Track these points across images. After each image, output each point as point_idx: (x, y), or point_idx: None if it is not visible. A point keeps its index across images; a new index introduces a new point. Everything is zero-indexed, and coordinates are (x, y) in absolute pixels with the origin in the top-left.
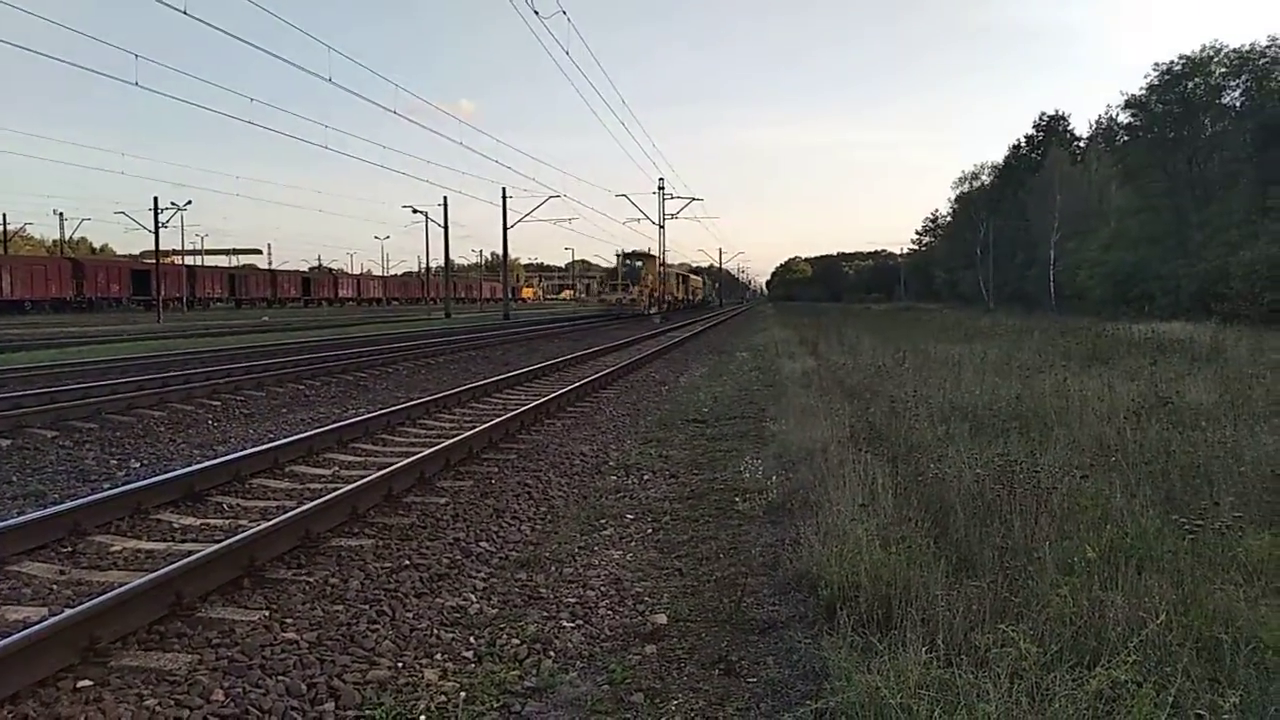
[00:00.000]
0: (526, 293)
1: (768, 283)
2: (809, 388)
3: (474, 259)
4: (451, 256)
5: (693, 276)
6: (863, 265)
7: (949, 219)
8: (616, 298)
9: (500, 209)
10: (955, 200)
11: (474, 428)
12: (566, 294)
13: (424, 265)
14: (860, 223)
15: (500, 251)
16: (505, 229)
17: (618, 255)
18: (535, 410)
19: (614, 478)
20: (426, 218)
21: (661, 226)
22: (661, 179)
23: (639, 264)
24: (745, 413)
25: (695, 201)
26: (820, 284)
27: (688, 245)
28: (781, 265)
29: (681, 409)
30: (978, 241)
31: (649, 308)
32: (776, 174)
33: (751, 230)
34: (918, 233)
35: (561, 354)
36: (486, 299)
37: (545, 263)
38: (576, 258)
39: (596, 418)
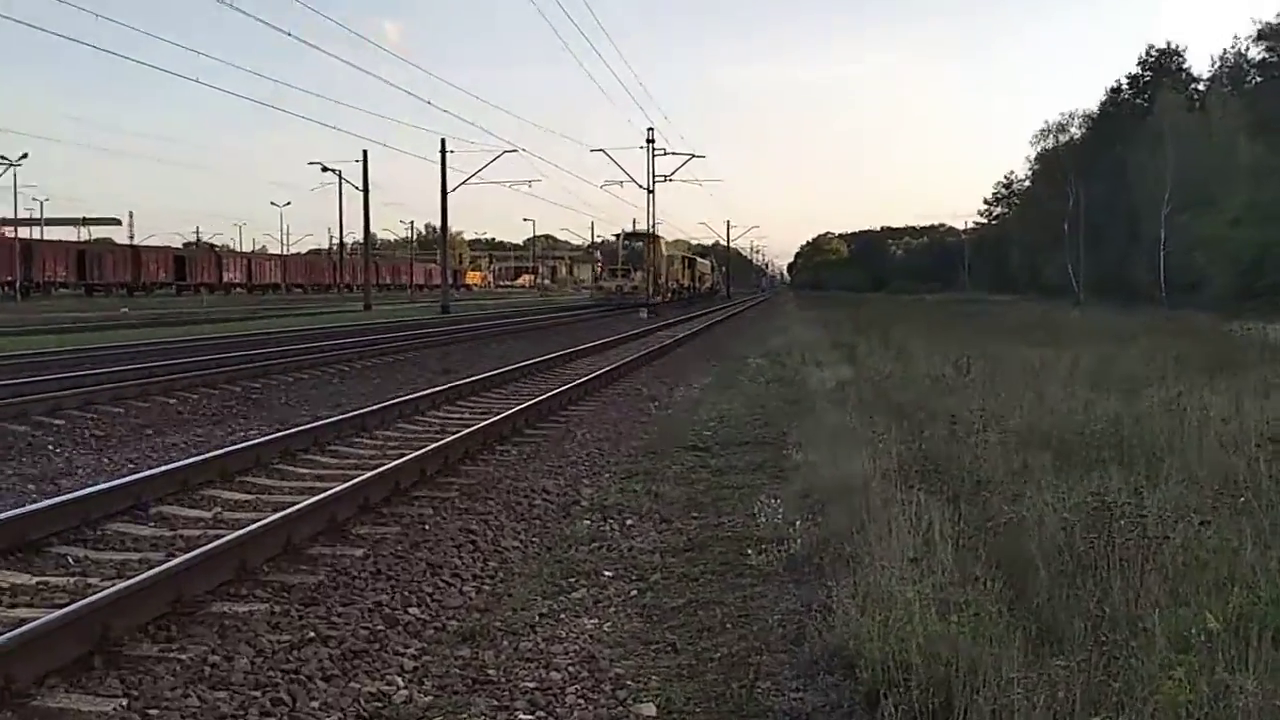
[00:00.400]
0: (473, 278)
1: (790, 266)
2: (844, 405)
3: (404, 233)
4: (374, 229)
5: (700, 260)
6: (914, 243)
7: (1027, 184)
8: (616, 284)
9: (438, 167)
10: (1035, 160)
11: (402, 456)
12: (525, 280)
13: (336, 241)
14: (911, 190)
15: (438, 224)
16: (444, 193)
17: (617, 236)
18: (483, 433)
19: (587, 522)
20: (340, 178)
21: (650, 191)
22: (651, 130)
23: (639, 244)
24: (760, 437)
25: (694, 160)
26: (859, 267)
27: (685, 218)
28: (808, 244)
29: (676, 432)
30: (1065, 214)
31: (653, 297)
32: (802, 126)
33: (769, 199)
34: (987, 202)
35: (518, 358)
36: (420, 285)
37: (498, 239)
38: (539, 232)
39: (565, 444)
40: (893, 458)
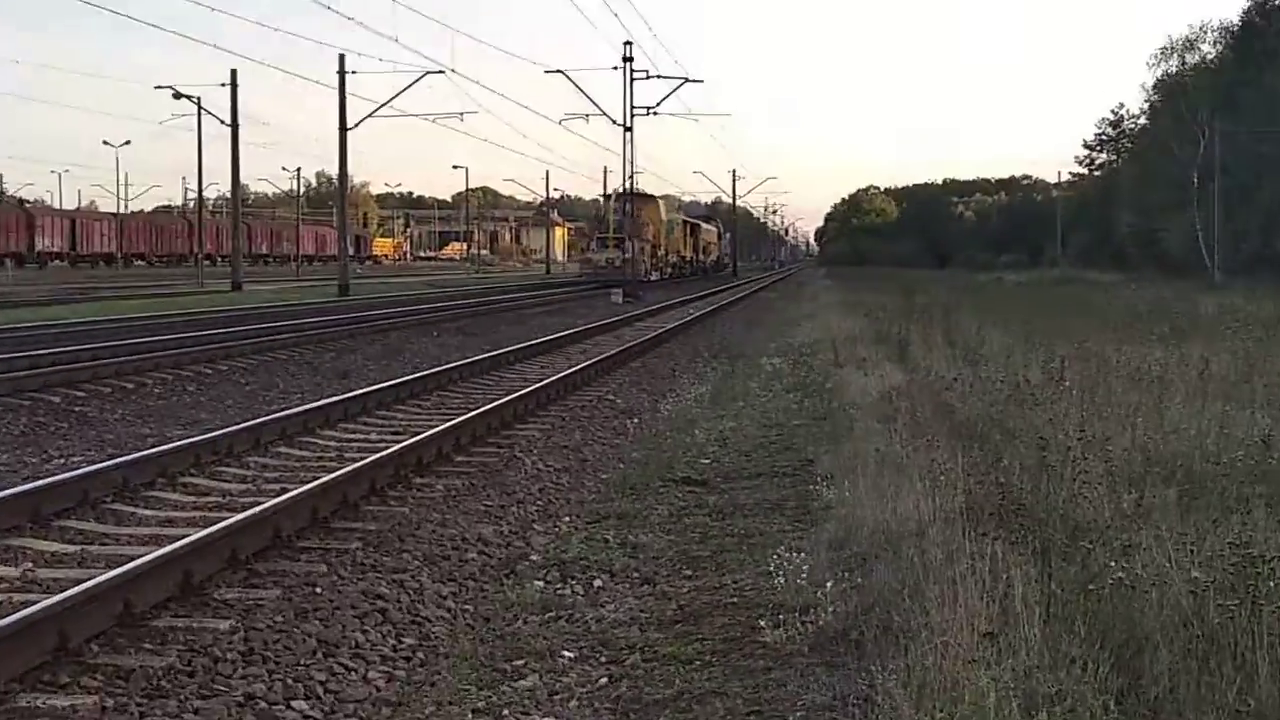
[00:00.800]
0: (383, 246)
1: (819, 233)
2: (892, 422)
3: (289, 184)
4: (247, 179)
5: (705, 225)
6: (987, 203)
7: (1142, 122)
8: (607, 257)
9: (336, 95)
10: (1154, 89)
11: (284, 492)
12: (455, 249)
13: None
14: (983, 130)
15: (334, 171)
16: (343, 130)
17: (608, 197)
18: (397, 461)
19: (540, 584)
20: (199, 108)
21: (627, 128)
22: (629, 46)
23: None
24: (778, 466)
25: (688, 85)
26: (912, 234)
27: (676, 166)
28: (843, 202)
29: (663, 460)
30: (1193, 163)
31: (649, 274)
32: (835, 42)
33: (790, 143)
34: (1087, 146)
35: (445, 358)
36: (309, 256)
37: (418, 193)
38: (474, 184)
39: (510, 475)
40: (959, 494)
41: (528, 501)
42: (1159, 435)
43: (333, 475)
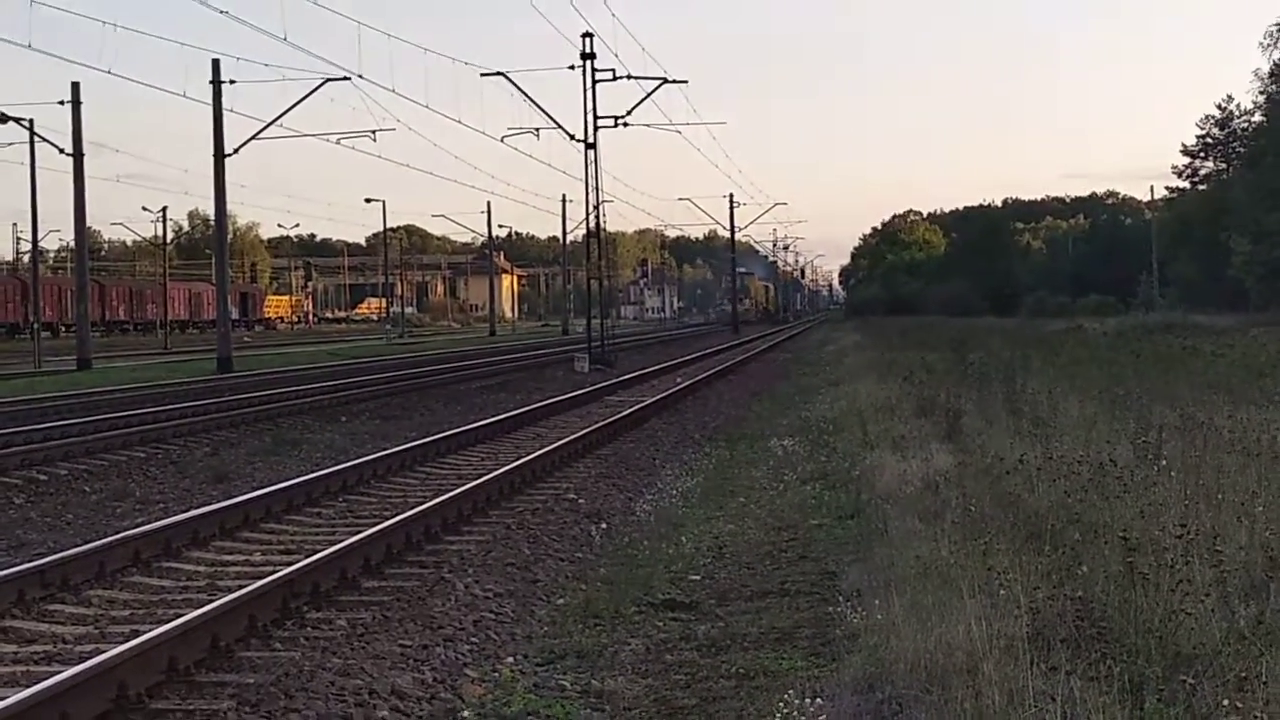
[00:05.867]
0: (278, 306)
1: (844, 272)
2: (937, 520)
3: (155, 231)
4: (96, 223)
5: None
6: (1061, 229)
7: (1257, 118)
8: None
9: (210, 113)
10: (1270, 77)
11: (134, 636)
12: (371, 306)
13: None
14: (1050, 143)
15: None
16: (220, 156)
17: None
18: (285, 588)
19: None
20: (32, 132)
21: (589, 145)
22: (590, 39)
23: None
24: (789, 582)
25: (668, 87)
26: (965, 271)
27: (656, 190)
28: (875, 232)
29: (639, 577)
30: None
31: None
32: (855, 37)
33: (806, 162)
34: (1188, 153)
35: (358, 451)
36: (182, 322)
37: (322, 237)
38: (395, 222)
39: (435, 603)
40: (1023, 614)
41: (459, 639)
42: None
43: (200, 611)
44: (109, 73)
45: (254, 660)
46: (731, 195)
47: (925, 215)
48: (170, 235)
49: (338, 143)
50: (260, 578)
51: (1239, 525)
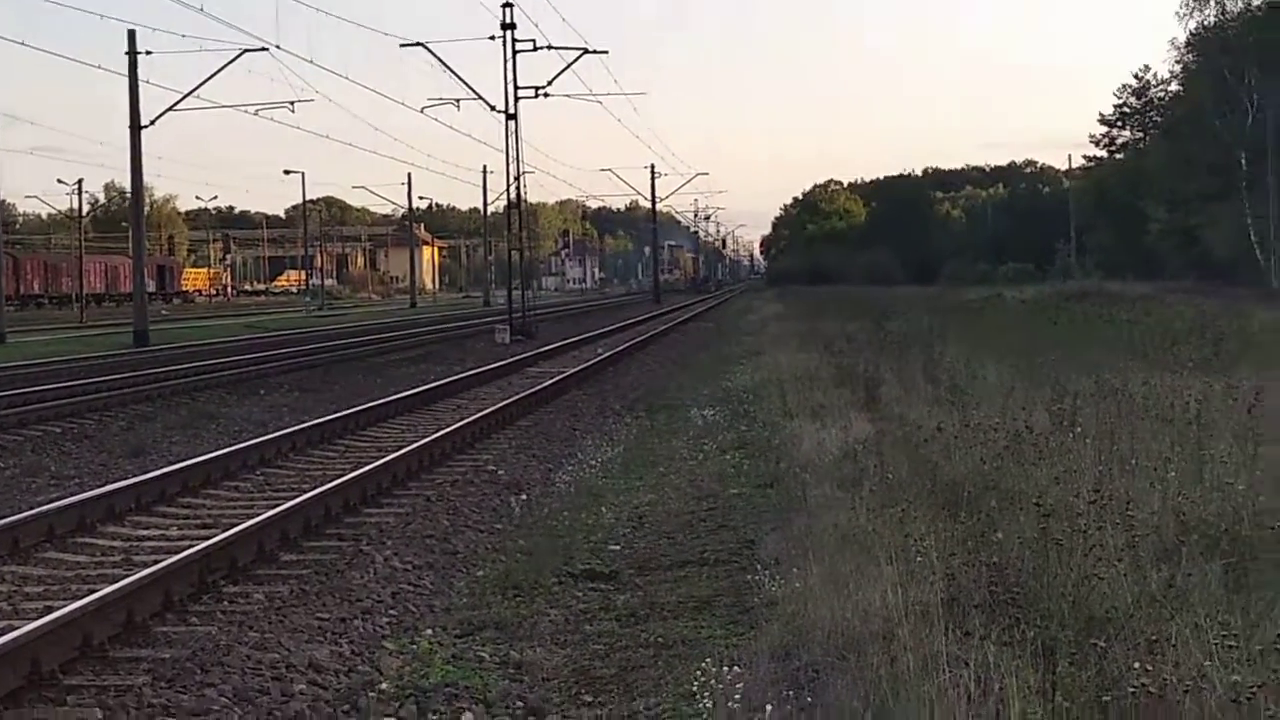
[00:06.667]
0: (196, 279)
1: (765, 243)
2: (855, 488)
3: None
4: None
5: None
6: (981, 198)
7: (1173, 88)
8: None
9: (126, 84)
10: (1186, 46)
11: (47, 613)
12: (291, 279)
13: None
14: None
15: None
16: (136, 128)
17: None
18: (202, 562)
19: None
20: None
21: (510, 115)
22: (509, 9)
23: None
24: (708, 551)
25: (589, 58)
26: (886, 241)
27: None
28: (795, 202)
29: (558, 547)
30: (1240, 137)
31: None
32: (774, 7)
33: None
34: (1105, 122)
35: (277, 424)
36: (98, 295)
37: (241, 209)
38: (315, 194)
39: (354, 575)
40: (939, 581)
41: (377, 611)
42: (1197, 493)
43: (114, 587)
44: (22, 44)
45: (170, 635)
46: (653, 166)
47: (846, 185)
48: (86, 208)
49: (256, 114)
50: (176, 552)
51: (1152, 491)
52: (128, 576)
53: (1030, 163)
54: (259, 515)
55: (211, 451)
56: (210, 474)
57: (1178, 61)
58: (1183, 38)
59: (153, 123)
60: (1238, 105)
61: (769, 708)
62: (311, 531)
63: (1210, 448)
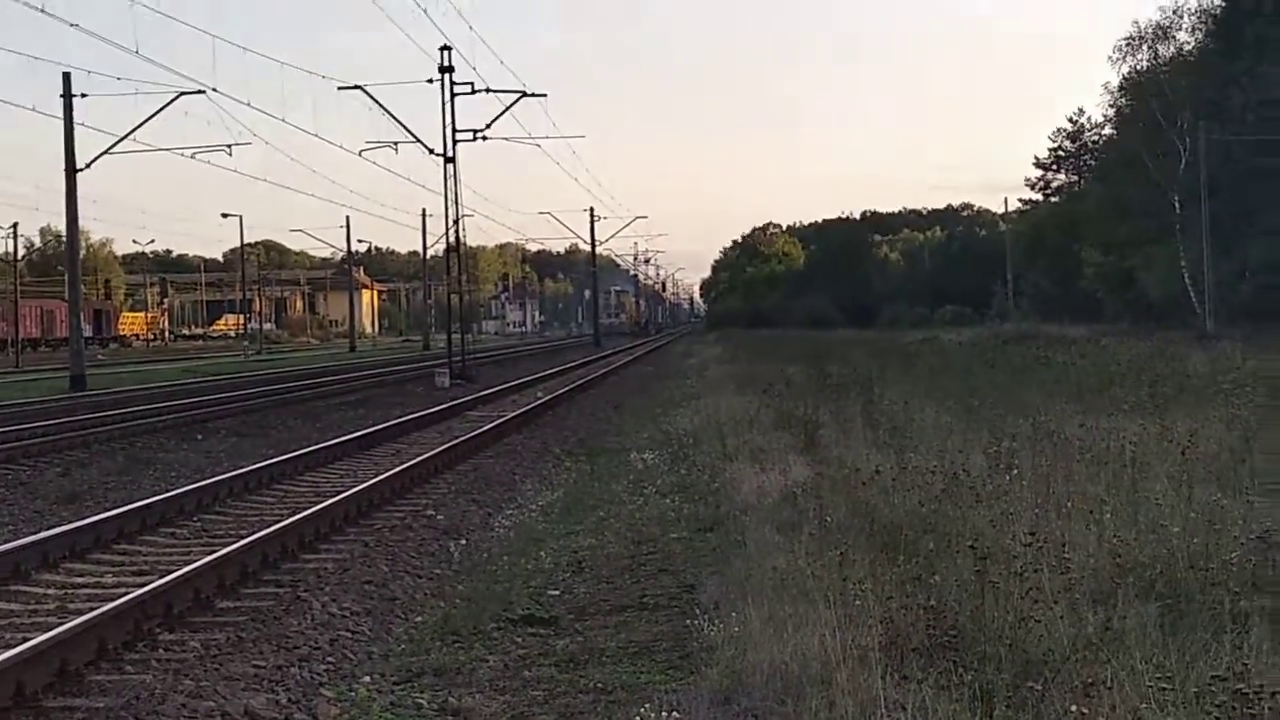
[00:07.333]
0: (133, 323)
1: (705, 286)
2: (794, 531)
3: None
4: None
5: None
6: (919, 241)
7: (1107, 131)
8: None
9: (61, 126)
10: (1120, 90)
11: None
12: (229, 323)
13: None
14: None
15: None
16: (72, 171)
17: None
18: (138, 610)
19: None
20: None
21: (449, 159)
22: (447, 51)
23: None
24: (648, 595)
25: (528, 100)
26: (825, 284)
27: (518, 204)
28: (735, 245)
29: (498, 593)
30: (1174, 181)
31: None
32: (717, 48)
33: (667, 176)
34: (1040, 165)
35: (214, 470)
36: (33, 340)
37: (179, 253)
38: (252, 239)
39: (291, 622)
40: (877, 624)
41: (314, 658)
42: (1133, 535)
43: (48, 635)
44: None
45: (104, 684)
46: (592, 209)
47: (785, 228)
48: (21, 252)
49: (193, 157)
50: (111, 600)
51: (1088, 533)
52: (62, 624)
53: (967, 206)
54: (196, 562)
55: (148, 497)
56: (146, 520)
57: (1111, 105)
58: (1116, 81)
59: (89, 166)
60: (1171, 149)
61: None
62: (249, 578)
63: (1145, 490)
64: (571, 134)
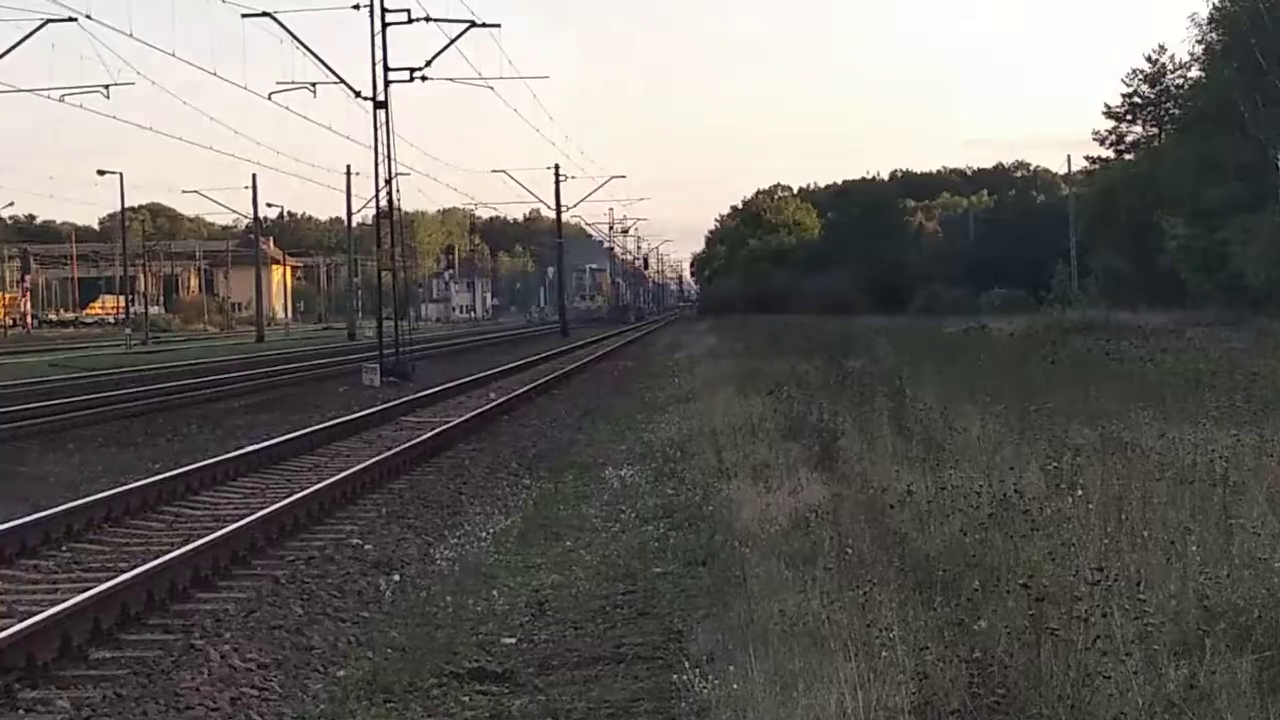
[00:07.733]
0: None
1: (697, 264)
2: (807, 566)
3: None
4: None
5: None
6: (962, 207)
7: (1194, 74)
8: None
9: None
10: (1209, 23)
11: None
12: (107, 306)
13: None
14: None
15: None
16: None
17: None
18: None
19: None
20: None
21: (380, 104)
22: None
23: None
24: (626, 645)
25: (476, 31)
26: (845, 260)
27: (465, 161)
28: (735, 213)
29: (439, 641)
30: (1276, 137)
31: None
32: None
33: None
34: (1112, 115)
35: (89, 488)
36: None
37: (44, 219)
38: (137, 202)
39: (183, 677)
40: (909, 682)
41: None
42: (1224, 572)
43: None
44: None
45: None
46: (557, 166)
47: (796, 191)
48: None
49: (62, 99)
50: None
51: (1168, 569)
52: None
53: (1021, 165)
54: (64, 601)
55: (5, 521)
56: (3, 550)
57: (1199, 41)
58: (1205, 12)
59: None
60: (1273, 94)
61: None
62: (130, 621)
63: (1240, 516)
64: (532, 74)
